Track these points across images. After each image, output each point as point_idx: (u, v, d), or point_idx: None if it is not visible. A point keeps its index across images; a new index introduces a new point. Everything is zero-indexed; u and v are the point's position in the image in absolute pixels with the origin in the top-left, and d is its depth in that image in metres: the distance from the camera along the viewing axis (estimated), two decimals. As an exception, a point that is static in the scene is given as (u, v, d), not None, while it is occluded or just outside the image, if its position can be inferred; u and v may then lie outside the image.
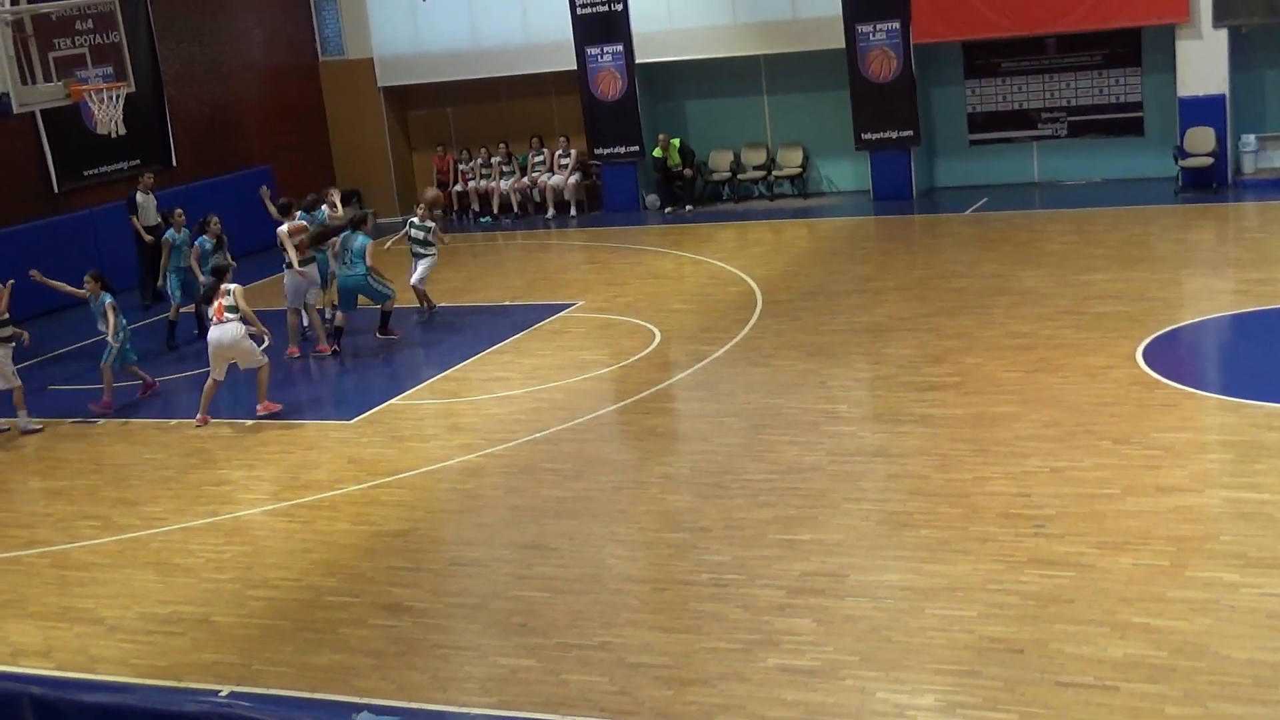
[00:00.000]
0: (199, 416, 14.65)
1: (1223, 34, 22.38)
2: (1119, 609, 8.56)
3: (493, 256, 24.37)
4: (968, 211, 22.69)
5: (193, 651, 9.51)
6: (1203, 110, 22.59)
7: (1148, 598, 8.67)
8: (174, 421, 15.03)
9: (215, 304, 14.53)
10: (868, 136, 24.44)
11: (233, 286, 14.61)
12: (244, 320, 14.48)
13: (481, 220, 27.33)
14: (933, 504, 10.60)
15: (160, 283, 19.12)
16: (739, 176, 26.44)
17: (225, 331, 14.40)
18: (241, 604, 10.20)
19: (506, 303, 19.04)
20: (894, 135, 24.19)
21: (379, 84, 28.19)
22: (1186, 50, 22.62)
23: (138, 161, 23.44)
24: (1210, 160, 22.43)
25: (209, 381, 14.68)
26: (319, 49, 28.57)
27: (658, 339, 16.28)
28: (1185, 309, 15.47)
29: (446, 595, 10.02)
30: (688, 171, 25.92)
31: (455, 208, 28.03)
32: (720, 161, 26.60)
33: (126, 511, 12.42)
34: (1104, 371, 13.34)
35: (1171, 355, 13.81)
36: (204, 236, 18.23)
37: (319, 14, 28.48)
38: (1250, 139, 23.19)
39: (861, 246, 20.64)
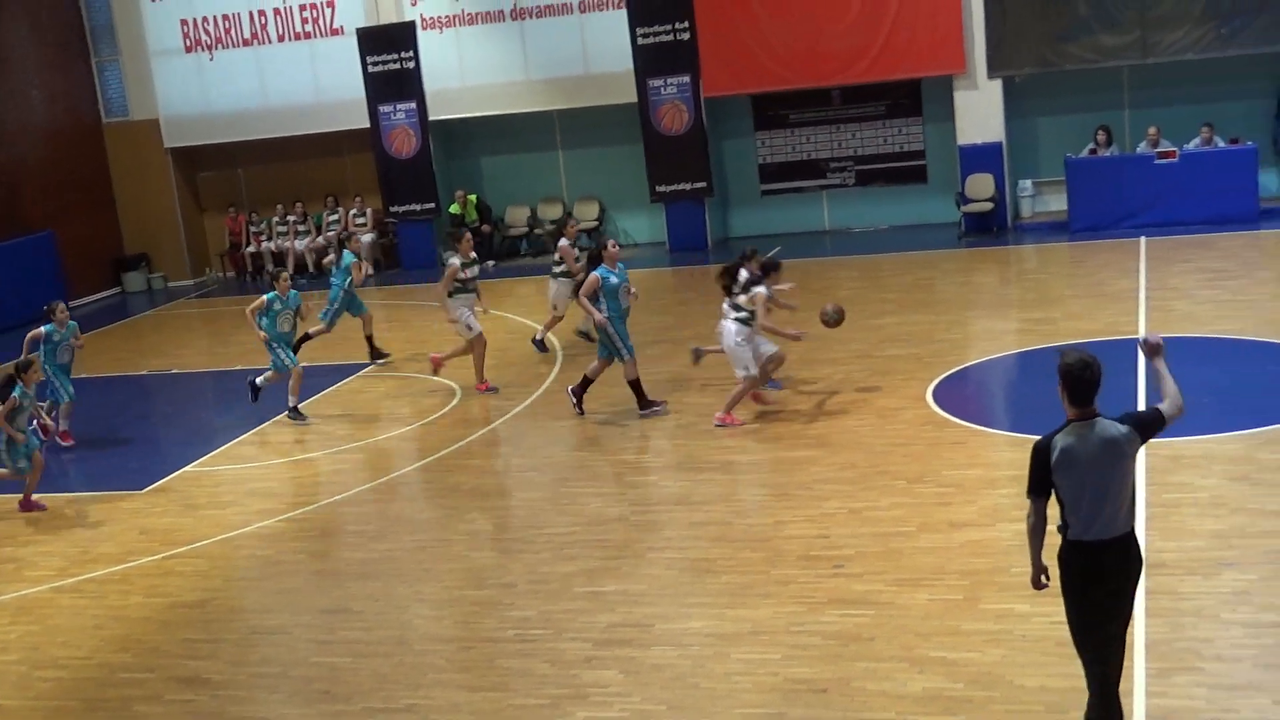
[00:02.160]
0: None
1: (997, 84, 23.31)
2: (917, 644, 8.75)
3: (289, 317, 23.93)
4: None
5: (-23, 738, 9.10)
6: (981, 157, 23.46)
7: (944, 631, 8.88)
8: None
9: None
10: (662, 189, 24.78)
11: None
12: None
13: (277, 281, 26.88)
14: (735, 549, 10.72)
15: None
16: (536, 231, 26.56)
17: None
18: (28, 686, 9.79)
19: (302, 364, 18.71)
20: (688, 187, 24.57)
21: (166, 145, 27.63)
22: (964, 100, 23.50)
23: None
24: (990, 205, 23.28)
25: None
26: (102, 110, 27.90)
27: (458, 396, 16.20)
28: (971, 349, 15.97)
29: (246, 665, 9.77)
30: (485, 227, 25.91)
31: (249, 269, 27.57)
32: (517, 217, 26.69)
33: (-97, 595, 11.86)
34: (896, 413, 13.69)
35: (959, 395, 14.24)
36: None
37: (101, 75, 27.83)
38: (1027, 184, 24.17)
39: (659, 298, 20.83)
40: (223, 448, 15.31)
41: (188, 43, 27.05)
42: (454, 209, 25.82)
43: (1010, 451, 12.30)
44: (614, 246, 14.85)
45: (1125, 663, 7.16)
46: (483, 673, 9.17)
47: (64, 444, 15.91)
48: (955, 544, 10.32)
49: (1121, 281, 18.10)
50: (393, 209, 26.40)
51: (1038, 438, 6.91)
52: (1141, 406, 12.40)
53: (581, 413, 14.73)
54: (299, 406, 15.94)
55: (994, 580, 9.59)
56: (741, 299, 13.75)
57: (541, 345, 17.82)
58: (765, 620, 9.36)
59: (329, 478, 13.75)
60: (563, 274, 17.44)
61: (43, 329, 15.70)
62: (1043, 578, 7.10)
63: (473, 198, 25.97)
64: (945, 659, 8.51)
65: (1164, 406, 6.86)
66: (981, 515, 10.85)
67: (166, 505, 13.52)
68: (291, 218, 27.27)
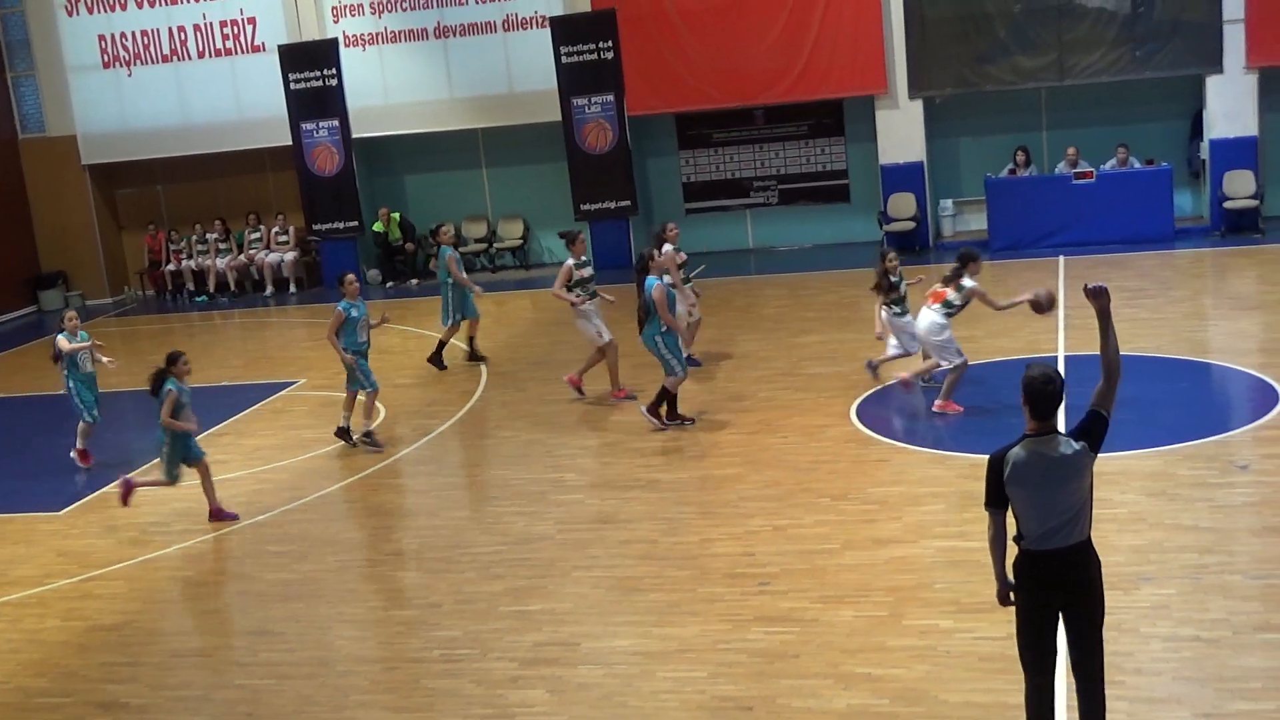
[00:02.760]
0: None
1: (918, 104, 23.58)
2: (842, 660, 8.79)
3: (209, 336, 23.73)
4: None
5: (-112, 766, 8.90)
6: (903, 177, 23.70)
7: (869, 648, 8.93)
8: None
9: None
10: (586, 207, 24.80)
11: None
12: None
13: (197, 299, 26.65)
14: (661, 568, 10.73)
15: None
16: (460, 249, 26.41)
17: None
18: (-57, 712, 9.61)
19: (224, 383, 18.56)
20: (612, 205, 24.60)
21: (83, 162, 27.26)
22: (886, 120, 23.74)
23: None
24: (912, 225, 23.52)
25: None
26: (18, 126, 27.50)
27: (382, 414, 16.09)
28: (895, 366, 16.07)
29: (166, 689, 9.64)
30: (409, 246, 25.80)
31: (168, 287, 27.27)
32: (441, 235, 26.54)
33: None
34: (821, 430, 13.77)
35: (883, 412, 14.35)
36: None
37: (16, 90, 27.46)
38: (948, 204, 24.45)
39: (566, 319, 20.79)
40: (143, 468, 15.09)
41: (106, 58, 26.73)
42: (378, 226, 25.71)
43: (933, 468, 12.41)
44: (661, 256, 14.51)
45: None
46: (408, 693, 9.10)
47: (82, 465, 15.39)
48: (880, 561, 10.39)
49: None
50: (315, 227, 26.22)
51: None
52: (1062, 418, 12.60)
53: (692, 421, 14.49)
54: (373, 431, 14.95)
55: (918, 596, 9.67)
56: (952, 294, 13.87)
57: (693, 360, 16.55)
58: (692, 638, 9.37)
59: (251, 498, 13.60)
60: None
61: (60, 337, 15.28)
62: (1011, 595, 7.10)
63: (396, 216, 25.88)
64: (870, 675, 8.56)
65: (1096, 401, 6.86)
66: (906, 532, 10.93)
67: (85, 526, 13.33)
68: (212, 235, 27.00)
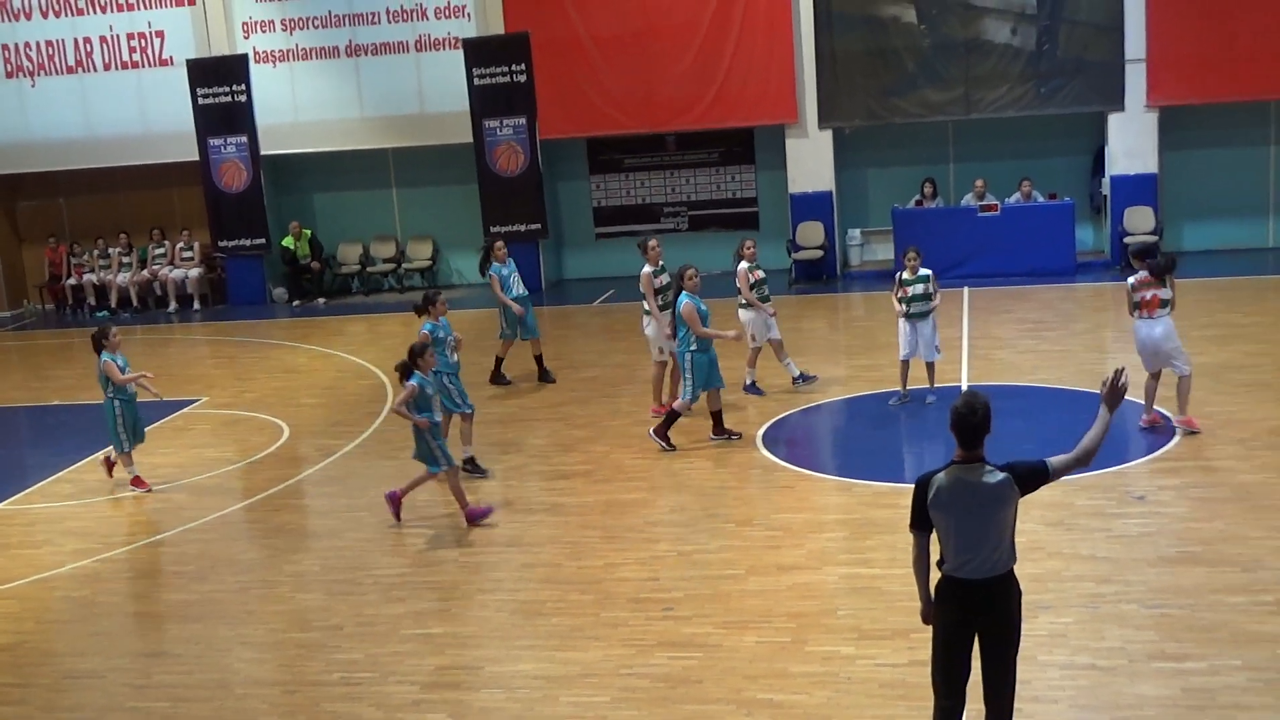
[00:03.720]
0: None
1: (828, 135, 23.84)
2: (745, 686, 8.81)
3: (110, 352, 23.33)
4: (595, 303, 23.22)
5: None
6: (812, 206, 23.93)
7: (771, 674, 8.96)
8: None
9: None
10: (497, 229, 24.66)
11: None
12: None
13: (98, 314, 26.23)
14: (565, 591, 10.70)
15: None
16: (369, 269, 26.31)
17: None
18: None
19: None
20: (522, 228, 24.57)
21: (-16, 172, 26.76)
22: (796, 149, 23.97)
23: None
24: (820, 253, 23.75)
25: None
26: (-84, 135, 26.97)
27: (286, 434, 15.93)
28: (799, 395, 16.17)
29: (58, 711, 9.44)
30: (315, 264, 25.60)
31: (69, 301, 26.82)
32: (349, 254, 26.43)
33: None
34: (726, 456, 13.82)
35: (789, 439, 14.43)
36: None
37: (-85, 98, 26.91)
38: (856, 233, 24.71)
39: (491, 338, 20.73)
40: (37, 485, 14.82)
41: (8, 68, 26.30)
42: (287, 241, 25.49)
43: (837, 496, 12.50)
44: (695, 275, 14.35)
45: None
46: (307, 717, 8.99)
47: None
48: (783, 587, 10.43)
49: (946, 330, 18.51)
50: (221, 243, 25.93)
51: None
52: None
53: (739, 435, 14.36)
54: (475, 457, 14.11)
55: (821, 623, 9.72)
56: (1166, 293, 13.16)
57: (755, 388, 16.21)
58: (595, 663, 9.35)
59: (150, 517, 13.39)
60: (746, 304, 15.99)
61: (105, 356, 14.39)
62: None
63: (308, 232, 25.68)
64: (772, 701, 8.59)
65: (1055, 459, 7.02)
66: (809, 559, 10.99)
67: (-24, 545, 13.03)
68: (115, 250, 26.61)
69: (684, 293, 14.18)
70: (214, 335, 23.40)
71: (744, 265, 15.98)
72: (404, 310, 24.05)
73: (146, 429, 14.77)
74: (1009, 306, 20.06)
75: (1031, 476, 6.95)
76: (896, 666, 8.80)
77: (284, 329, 23.48)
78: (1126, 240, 22.58)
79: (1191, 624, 9.23)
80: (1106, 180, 23.23)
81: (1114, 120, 22.93)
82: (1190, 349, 13.90)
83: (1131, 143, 22.90)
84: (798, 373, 16.23)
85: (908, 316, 14.88)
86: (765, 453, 13.87)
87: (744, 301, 16.01)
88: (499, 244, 17.42)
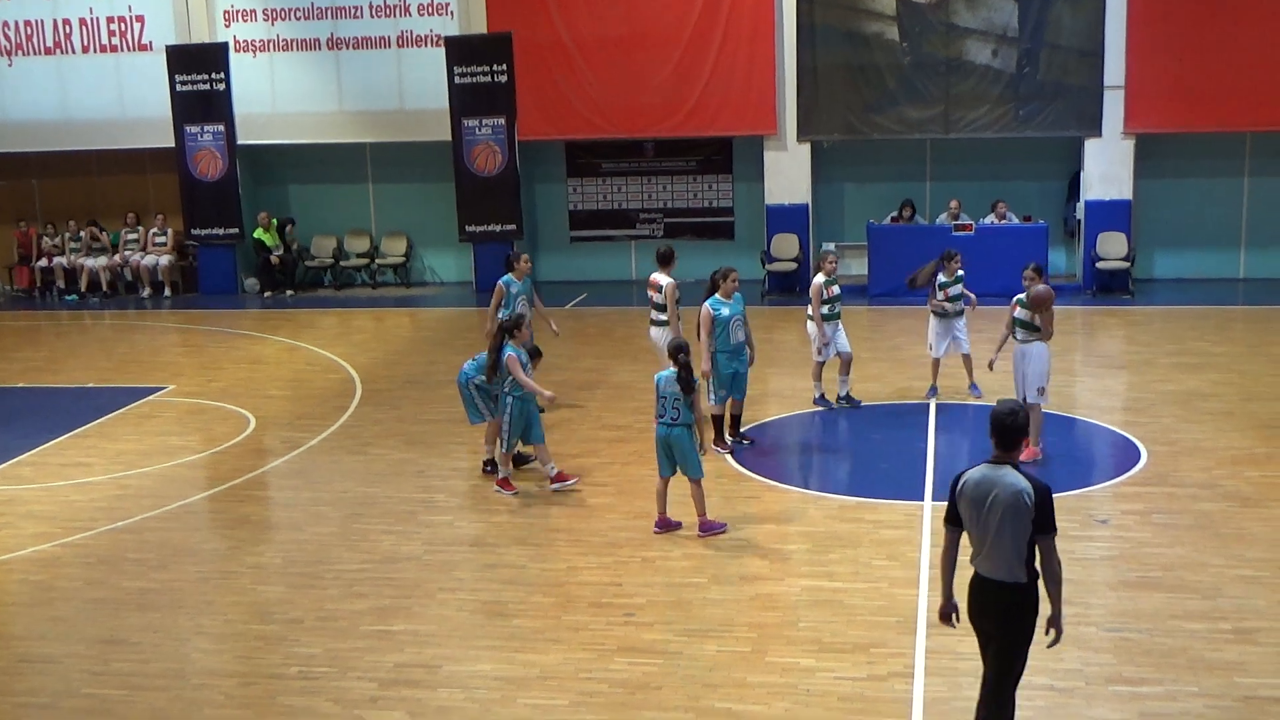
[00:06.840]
0: None
1: (806, 148, 23.89)
2: (703, 694, 8.81)
3: (78, 336, 23.23)
4: (568, 306, 23.19)
5: None
6: (787, 218, 23.97)
7: (730, 683, 8.96)
8: None
9: None
10: (471, 229, 24.72)
11: None
12: None
13: (67, 298, 26.08)
14: (527, 593, 10.68)
15: None
16: (342, 263, 26.24)
17: None
18: None
19: (90, 384, 18.16)
20: (497, 229, 24.54)
21: (-46, 152, 26.57)
22: (773, 161, 24.01)
23: None
24: (794, 265, 23.78)
25: None
26: (-113, 111, 26.76)
27: (252, 425, 15.86)
28: (769, 406, 16.20)
29: (13, 695, 9.36)
30: (274, 258, 25.40)
31: (38, 284, 26.66)
32: (323, 247, 26.34)
33: None
34: (694, 464, 13.78)
35: (756, 450, 14.43)
36: None
37: (-110, 73, 26.70)
38: (830, 247, 24.67)
39: (463, 337, 20.73)
40: (-1, 467, 14.73)
41: (-14, 47, 26.16)
42: (259, 234, 25.38)
43: (803, 507, 12.51)
44: (734, 279, 14.45)
45: None
46: (263, 710, 8.94)
47: None
48: (745, 597, 10.44)
49: (917, 348, 18.58)
50: (194, 231, 25.81)
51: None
52: (930, 464, 12.82)
53: (751, 442, 14.49)
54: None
55: (782, 634, 9.73)
56: None
57: (824, 400, 15.93)
58: (554, 666, 9.33)
59: (111, 503, 13.30)
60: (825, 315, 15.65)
61: None
62: (954, 616, 7.52)
63: (274, 222, 25.58)
64: (731, 710, 8.58)
65: (1051, 556, 7.21)
66: (772, 570, 11.00)
67: (-66, 525, 12.92)
68: (85, 233, 26.46)
69: (711, 298, 14.42)
70: (183, 323, 23.28)
71: (820, 278, 15.62)
72: (376, 306, 24.07)
73: (107, 415, 14.66)
74: (980, 326, 20.04)
75: (1044, 509, 7.09)
76: (856, 680, 8.82)
77: (254, 320, 23.39)
78: (1098, 265, 22.72)
79: (1150, 648, 9.28)
80: (1081, 205, 23.35)
81: (1090, 146, 23.06)
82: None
83: (1107, 169, 23.04)
84: (845, 391, 15.92)
85: (944, 316, 15.68)
86: (733, 463, 13.87)
87: (812, 314, 15.75)
88: (524, 257, 16.26)
